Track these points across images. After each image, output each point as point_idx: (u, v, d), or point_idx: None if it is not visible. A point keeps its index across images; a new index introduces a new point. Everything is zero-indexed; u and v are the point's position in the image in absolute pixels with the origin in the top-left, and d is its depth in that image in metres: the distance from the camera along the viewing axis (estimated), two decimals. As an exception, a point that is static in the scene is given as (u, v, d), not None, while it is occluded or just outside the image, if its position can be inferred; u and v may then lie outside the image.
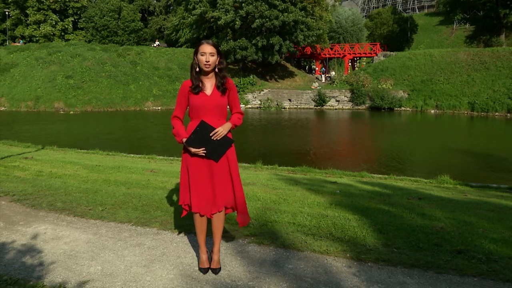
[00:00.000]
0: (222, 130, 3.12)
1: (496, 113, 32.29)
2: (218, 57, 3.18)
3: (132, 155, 12.18)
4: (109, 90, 38.35)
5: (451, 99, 35.11)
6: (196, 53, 3.16)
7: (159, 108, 38.24)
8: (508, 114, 31.62)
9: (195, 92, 3.16)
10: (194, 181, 3.16)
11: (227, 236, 3.90)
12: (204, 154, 3.14)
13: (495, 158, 15.35)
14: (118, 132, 23.39)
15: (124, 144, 18.17)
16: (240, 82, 40.87)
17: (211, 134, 3.11)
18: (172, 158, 11.38)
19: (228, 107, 3.30)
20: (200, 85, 3.17)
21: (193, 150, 3.13)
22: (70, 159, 9.17)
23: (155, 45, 51.92)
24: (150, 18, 66.71)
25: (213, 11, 40.86)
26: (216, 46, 3.15)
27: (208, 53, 3.11)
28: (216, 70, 3.22)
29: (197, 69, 3.19)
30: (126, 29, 55.69)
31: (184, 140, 3.15)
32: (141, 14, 61.39)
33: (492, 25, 43.59)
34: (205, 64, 3.12)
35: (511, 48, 38.15)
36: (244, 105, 39.73)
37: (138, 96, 38.83)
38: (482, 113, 32.99)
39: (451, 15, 46.14)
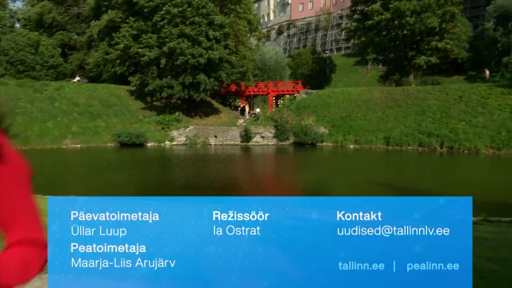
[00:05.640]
0: None
1: (409, 147, 34.44)
2: None
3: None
4: (23, 128, 36.01)
5: (368, 134, 37.03)
6: None
7: (78, 146, 36.48)
8: (420, 148, 33.87)
9: None
10: None
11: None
12: None
13: (412, 190, 16.25)
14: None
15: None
16: (166, 119, 40.43)
17: None
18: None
19: None
20: None
21: None
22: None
23: (75, 80, 50.09)
24: (70, 52, 64.54)
25: (137, 48, 40.46)
26: None
27: None
28: None
29: None
30: (45, 64, 53.30)
31: None
32: (61, 49, 59.24)
33: (402, 65, 47.13)
34: None
35: (419, 87, 41.46)
36: (169, 142, 39.14)
37: (56, 133, 36.85)
38: (397, 146, 35.00)
39: (364, 55, 49.57)
